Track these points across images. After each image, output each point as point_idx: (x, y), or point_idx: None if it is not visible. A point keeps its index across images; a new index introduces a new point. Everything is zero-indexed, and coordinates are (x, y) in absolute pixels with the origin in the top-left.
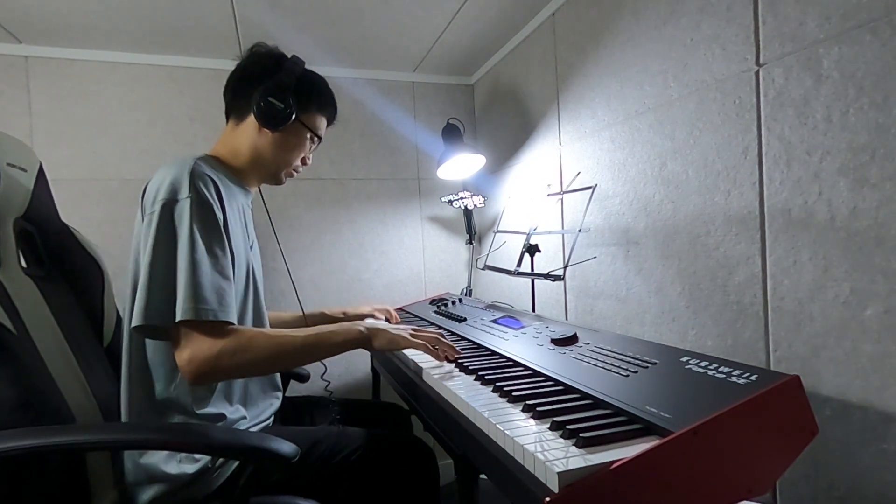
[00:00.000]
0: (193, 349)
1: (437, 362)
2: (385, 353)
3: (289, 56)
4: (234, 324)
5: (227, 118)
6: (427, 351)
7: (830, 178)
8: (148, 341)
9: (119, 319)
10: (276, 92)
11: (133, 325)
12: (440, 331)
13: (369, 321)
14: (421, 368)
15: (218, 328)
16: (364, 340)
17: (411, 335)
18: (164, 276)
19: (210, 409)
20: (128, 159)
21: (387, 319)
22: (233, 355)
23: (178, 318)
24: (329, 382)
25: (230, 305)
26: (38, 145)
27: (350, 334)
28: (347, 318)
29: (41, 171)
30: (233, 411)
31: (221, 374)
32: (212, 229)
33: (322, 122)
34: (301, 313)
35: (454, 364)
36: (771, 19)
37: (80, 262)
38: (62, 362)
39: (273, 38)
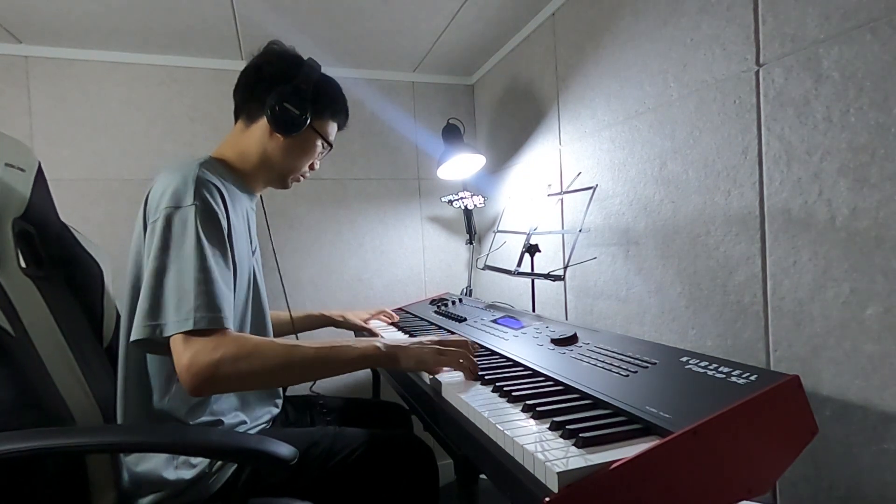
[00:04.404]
0: (193, 355)
1: None
2: None
3: (305, 59)
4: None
5: (236, 118)
6: (457, 367)
7: (830, 178)
8: None
9: (119, 320)
10: (292, 97)
11: (133, 338)
12: (466, 338)
13: (386, 337)
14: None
15: (220, 335)
16: (384, 359)
17: (438, 351)
18: (165, 285)
19: (206, 419)
20: (128, 159)
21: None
22: (234, 362)
23: (190, 327)
24: (318, 394)
25: (232, 314)
26: (38, 145)
27: (368, 350)
28: (346, 321)
29: (40, 171)
30: (230, 418)
31: (222, 382)
32: (216, 239)
33: (334, 129)
34: (289, 316)
35: None
36: (771, 19)
37: (79, 262)
38: (62, 363)
39: (273, 38)
